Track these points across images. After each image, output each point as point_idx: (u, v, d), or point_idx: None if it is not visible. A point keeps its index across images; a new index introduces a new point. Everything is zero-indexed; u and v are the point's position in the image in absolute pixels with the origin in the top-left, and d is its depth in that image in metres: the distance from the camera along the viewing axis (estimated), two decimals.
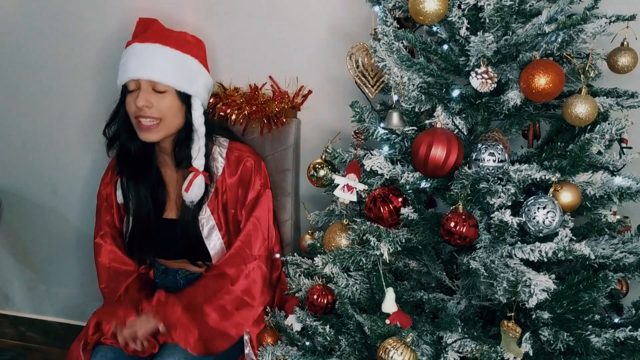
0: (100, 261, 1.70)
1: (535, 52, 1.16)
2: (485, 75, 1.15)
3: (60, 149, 2.11)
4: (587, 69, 1.21)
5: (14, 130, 2.14)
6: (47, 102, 2.06)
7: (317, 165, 1.55)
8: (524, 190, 1.17)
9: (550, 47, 1.18)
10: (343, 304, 1.34)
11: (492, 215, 1.15)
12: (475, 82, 1.15)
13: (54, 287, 2.35)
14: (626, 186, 1.20)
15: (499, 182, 1.19)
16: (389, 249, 1.22)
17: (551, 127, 1.34)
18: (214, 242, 1.62)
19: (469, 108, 1.25)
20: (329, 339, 1.37)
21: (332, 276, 1.35)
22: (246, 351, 1.57)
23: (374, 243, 1.23)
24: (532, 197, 1.15)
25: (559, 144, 1.24)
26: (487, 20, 1.17)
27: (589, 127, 1.21)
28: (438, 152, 1.15)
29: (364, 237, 1.28)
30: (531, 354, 1.16)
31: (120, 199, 1.68)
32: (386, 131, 1.34)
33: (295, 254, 1.55)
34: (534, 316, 1.18)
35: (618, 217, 1.30)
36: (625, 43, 1.28)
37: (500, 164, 1.16)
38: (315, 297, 1.35)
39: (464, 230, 1.13)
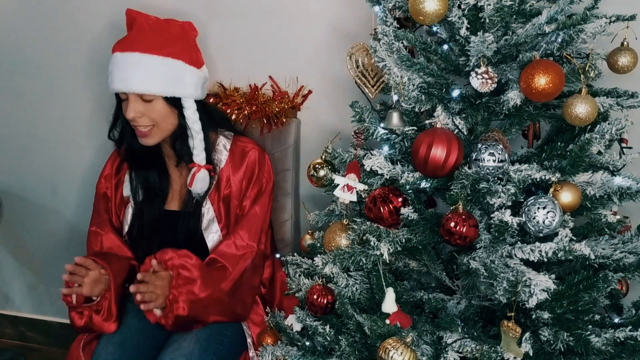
0: (93, 248, 1.68)
1: (535, 52, 1.16)
2: (485, 75, 1.15)
3: (60, 149, 2.11)
4: (587, 69, 1.21)
5: (14, 130, 2.14)
6: (47, 103, 2.07)
7: (317, 165, 1.55)
8: (524, 190, 1.17)
9: (550, 47, 1.18)
10: (343, 304, 1.34)
11: (492, 215, 1.15)
12: (475, 82, 1.15)
13: (54, 287, 2.35)
14: (626, 186, 1.19)
15: (499, 182, 1.19)
16: (389, 249, 1.22)
17: (551, 127, 1.34)
18: (213, 235, 1.62)
19: (469, 108, 1.25)
20: (329, 339, 1.37)
21: (332, 276, 1.35)
22: (251, 354, 1.57)
23: (374, 243, 1.23)
24: (532, 197, 1.15)
25: (559, 144, 1.24)
26: (487, 20, 1.17)
27: (589, 127, 1.21)
28: (438, 152, 1.15)
29: (364, 237, 1.28)
30: (531, 354, 1.16)
31: (127, 191, 1.68)
32: (386, 131, 1.34)
33: (295, 254, 1.55)
34: (534, 316, 1.17)
35: (618, 217, 1.30)
36: (625, 43, 1.28)
37: (500, 164, 1.16)
38: (315, 297, 1.35)
39: (464, 230, 1.13)
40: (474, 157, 1.17)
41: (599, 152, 1.25)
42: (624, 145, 1.34)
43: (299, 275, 1.48)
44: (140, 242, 1.68)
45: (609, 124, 1.17)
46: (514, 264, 1.12)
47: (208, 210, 1.62)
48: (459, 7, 1.20)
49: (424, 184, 1.24)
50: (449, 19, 1.20)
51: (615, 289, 1.28)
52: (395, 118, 1.29)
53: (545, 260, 1.12)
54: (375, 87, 1.47)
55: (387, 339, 1.16)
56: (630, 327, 1.19)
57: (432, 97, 1.26)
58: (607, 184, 1.20)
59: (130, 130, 1.59)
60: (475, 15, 1.20)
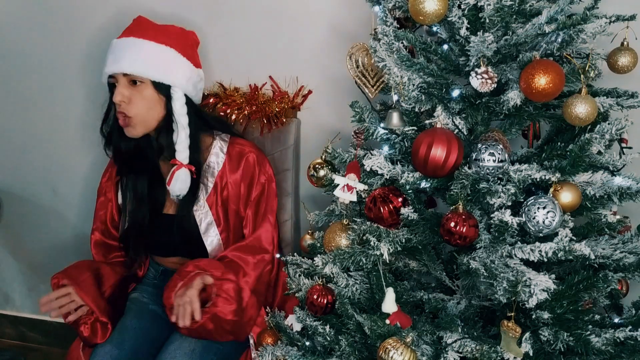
0: (95, 257, 1.74)
1: (535, 52, 1.16)
2: (485, 75, 1.15)
3: (60, 148, 2.11)
4: (587, 69, 1.21)
5: (14, 130, 2.14)
6: (47, 102, 2.07)
7: (317, 165, 1.55)
8: (524, 190, 1.17)
9: (550, 47, 1.18)
10: (343, 304, 1.34)
11: (492, 215, 1.15)
12: (475, 82, 1.15)
13: None
14: (626, 186, 1.19)
15: (499, 182, 1.19)
16: (389, 249, 1.22)
17: (551, 127, 1.34)
18: (212, 238, 1.62)
19: (469, 108, 1.25)
20: (329, 339, 1.37)
21: (332, 276, 1.35)
22: (253, 355, 1.56)
23: (374, 243, 1.23)
24: (532, 197, 1.15)
25: (559, 144, 1.24)
26: (487, 20, 1.17)
27: (589, 127, 1.21)
28: (438, 152, 1.15)
29: (364, 237, 1.28)
30: (531, 354, 1.16)
31: (119, 196, 1.69)
32: (386, 131, 1.33)
33: (295, 254, 1.55)
34: (534, 316, 1.17)
35: (618, 217, 1.30)
36: (625, 43, 1.28)
37: (500, 164, 1.16)
38: (315, 297, 1.35)
39: (464, 230, 1.13)
40: (474, 157, 1.17)
41: (599, 152, 1.25)
42: (624, 145, 1.34)
43: (299, 275, 1.48)
44: (137, 245, 1.68)
45: (609, 124, 1.17)
46: (514, 264, 1.12)
47: (206, 214, 1.61)
48: (459, 7, 1.20)
49: (424, 184, 1.24)
50: (449, 19, 1.20)
51: (615, 289, 1.28)
52: (395, 118, 1.29)
53: (545, 260, 1.12)
54: (375, 87, 1.47)
55: (387, 339, 1.17)
56: (630, 327, 1.19)
57: (432, 97, 1.26)
58: (607, 184, 1.20)
59: (117, 127, 1.57)
60: (475, 15, 1.20)
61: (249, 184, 1.63)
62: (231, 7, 1.79)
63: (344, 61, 1.47)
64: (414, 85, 1.24)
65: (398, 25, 1.27)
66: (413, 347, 1.16)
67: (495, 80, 1.16)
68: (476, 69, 1.16)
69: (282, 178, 1.78)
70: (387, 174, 1.27)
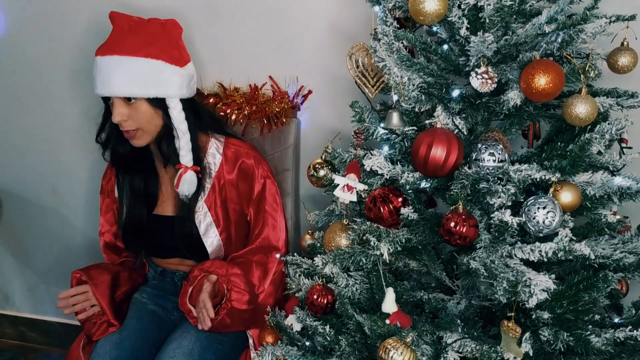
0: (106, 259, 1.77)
1: (535, 52, 1.16)
2: (485, 75, 1.15)
3: (60, 148, 2.11)
4: (587, 69, 1.21)
5: (14, 130, 2.14)
6: (47, 102, 2.07)
7: (317, 165, 1.55)
8: (524, 190, 1.17)
9: (550, 47, 1.18)
10: (343, 304, 1.34)
11: (492, 215, 1.15)
12: (475, 82, 1.15)
13: (54, 287, 2.35)
14: (626, 186, 1.19)
15: (499, 182, 1.19)
16: (389, 249, 1.22)
17: (551, 127, 1.34)
18: (212, 239, 1.62)
19: (469, 108, 1.25)
20: (329, 339, 1.37)
21: (332, 276, 1.35)
22: (253, 355, 1.56)
23: (374, 243, 1.23)
24: (532, 197, 1.15)
25: (559, 144, 1.24)
26: (487, 20, 1.17)
27: (589, 127, 1.21)
28: (438, 152, 1.15)
29: (364, 237, 1.28)
30: (531, 354, 1.16)
31: (116, 193, 1.70)
32: (386, 131, 1.34)
33: (295, 254, 1.55)
34: (534, 316, 1.17)
35: (618, 217, 1.30)
36: (625, 43, 1.28)
37: (500, 164, 1.16)
38: (315, 297, 1.35)
39: (464, 230, 1.13)
40: (474, 157, 1.17)
41: (599, 152, 1.25)
42: (624, 145, 1.34)
43: (299, 275, 1.48)
44: (133, 245, 1.69)
45: (609, 124, 1.17)
46: (514, 264, 1.12)
47: (205, 215, 1.61)
48: (459, 7, 1.20)
49: (424, 184, 1.24)
50: (449, 19, 1.20)
51: (615, 289, 1.29)
52: (395, 118, 1.29)
53: (545, 260, 1.12)
54: (375, 87, 1.47)
55: (387, 339, 1.17)
56: (630, 327, 1.19)
57: (432, 97, 1.26)
58: (607, 184, 1.20)
59: (116, 133, 1.58)
60: (475, 15, 1.20)
61: (249, 182, 1.63)
62: (231, 7, 1.79)
63: (344, 61, 1.47)
64: (414, 85, 1.24)
65: (398, 25, 1.27)
66: (413, 347, 1.16)
67: (495, 80, 1.16)
68: (476, 69, 1.16)
69: (282, 178, 1.78)
70: (387, 174, 1.27)
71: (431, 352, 1.22)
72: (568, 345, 1.17)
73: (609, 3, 1.27)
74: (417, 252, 1.33)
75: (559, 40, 1.17)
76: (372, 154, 1.29)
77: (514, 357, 1.15)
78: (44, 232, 2.27)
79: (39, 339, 2.44)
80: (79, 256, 2.23)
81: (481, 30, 1.18)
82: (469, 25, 1.20)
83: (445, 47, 1.27)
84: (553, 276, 1.09)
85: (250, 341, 1.58)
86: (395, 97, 1.29)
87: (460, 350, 1.20)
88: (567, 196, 1.16)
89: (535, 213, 1.13)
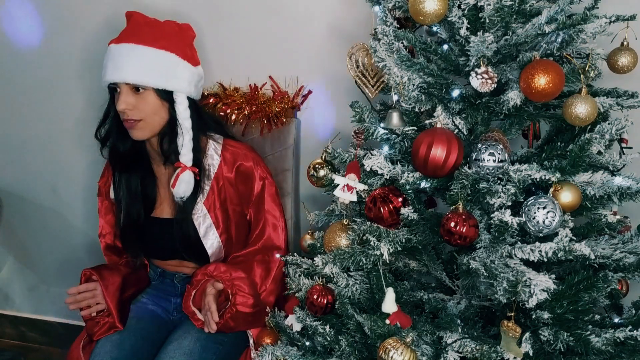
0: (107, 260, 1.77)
1: (535, 52, 1.16)
2: (485, 75, 1.15)
3: (60, 148, 2.12)
4: (587, 69, 1.21)
5: (14, 130, 2.14)
6: (46, 102, 2.07)
7: (317, 165, 1.55)
8: (524, 190, 1.17)
9: (550, 47, 1.18)
10: (343, 304, 1.34)
11: (492, 215, 1.15)
12: (475, 82, 1.15)
13: (54, 287, 2.35)
14: (626, 186, 1.19)
15: (499, 182, 1.19)
16: (389, 249, 1.22)
17: (551, 127, 1.34)
18: (212, 241, 1.62)
19: (469, 108, 1.25)
20: (329, 339, 1.37)
21: (332, 276, 1.35)
22: (253, 355, 1.57)
23: (374, 243, 1.23)
24: (532, 197, 1.15)
25: (559, 144, 1.24)
26: (487, 20, 1.17)
27: (589, 127, 1.21)
28: (438, 152, 1.15)
29: (364, 237, 1.28)
30: (531, 354, 1.16)
31: (112, 194, 1.69)
32: (386, 131, 1.33)
33: (295, 254, 1.55)
34: (534, 316, 1.18)
35: (618, 217, 1.30)
36: (625, 43, 1.28)
37: (500, 164, 1.16)
38: (315, 297, 1.35)
39: (464, 230, 1.13)
40: (474, 157, 1.17)
41: (599, 152, 1.25)
42: (624, 145, 1.34)
43: (299, 275, 1.48)
44: (131, 247, 1.69)
45: (609, 124, 1.17)
46: (514, 264, 1.12)
47: (205, 218, 1.61)
48: (459, 7, 1.20)
49: (424, 184, 1.24)
50: (449, 19, 1.20)
51: (615, 289, 1.29)
52: (395, 118, 1.29)
53: (545, 260, 1.12)
54: (375, 87, 1.47)
55: (387, 339, 1.17)
56: (630, 327, 1.19)
57: (432, 97, 1.26)
58: (607, 184, 1.20)
59: (117, 128, 1.58)
60: (475, 15, 1.20)
61: (248, 184, 1.63)
62: (231, 7, 1.79)
63: (344, 61, 1.47)
64: (414, 85, 1.24)
65: (398, 25, 1.27)
66: (413, 347, 1.16)
67: (495, 80, 1.16)
68: (476, 69, 1.16)
69: (282, 178, 1.78)
70: (387, 174, 1.27)
71: (431, 352, 1.22)
72: (568, 345, 1.17)
73: (609, 3, 1.27)
74: (417, 252, 1.33)
75: (559, 40, 1.17)
76: (372, 154, 1.29)
77: (514, 357, 1.15)
78: (44, 232, 2.27)
79: (39, 339, 2.44)
80: (79, 256, 2.23)
81: (481, 30, 1.18)
82: (469, 25, 1.20)
83: (445, 47, 1.27)
84: (553, 276, 1.09)
85: (251, 341, 1.58)
86: (395, 97, 1.29)
87: (460, 350, 1.20)
88: (567, 196, 1.16)
89: (535, 213, 1.13)
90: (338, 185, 1.33)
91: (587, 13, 1.15)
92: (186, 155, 1.54)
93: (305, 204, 1.78)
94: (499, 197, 1.15)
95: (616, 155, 1.31)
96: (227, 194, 1.62)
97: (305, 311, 1.42)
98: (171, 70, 1.51)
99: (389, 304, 1.21)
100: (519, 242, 1.16)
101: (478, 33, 1.16)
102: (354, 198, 1.33)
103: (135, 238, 1.66)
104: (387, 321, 1.21)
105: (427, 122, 1.27)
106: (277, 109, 1.75)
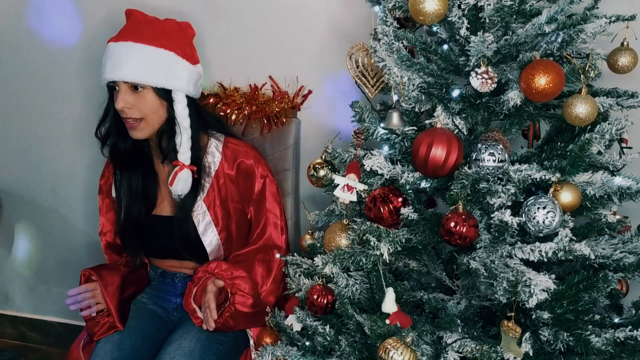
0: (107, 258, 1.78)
1: (535, 52, 1.16)
2: (485, 75, 1.15)
3: (59, 148, 2.12)
4: (587, 69, 1.21)
5: (14, 130, 2.14)
6: (46, 102, 2.07)
7: (317, 165, 1.55)
8: (524, 190, 1.17)
9: (550, 47, 1.18)
10: (343, 304, 1.34)
11: (492, 215, 1.15)
12: (475, 82, 1.15)
13: (54, 287, 2.35)
14: (626, 186, 1.19)
15: (499, 182, 1.19)
16: (389, 249, 1.22)
17: (551, 127, 1.34)
18: (210, 239, 1.62)
19: (469, 108, 1.25)
20: (329, 339, 1.37)
21: (332, 276, 1.35)
22: (253, 355, 1.57)
23: (374, 243, 1.23)
24: (532, 197, 1.15)
25: (559, 144, 1.24)
26: (487, 20, 1.17)
27: (589, 127, 1.21)
28: (438, 152, 1.15)
29: (364, 237, 1.28)
30: (531, 354, 1.16)
31: (113, 193, 1.69)
32: (386, 131, 1.33)
33: (295, 254, 1.55)
34: (534, 316, 1.17)
35: (618, 217, 1.30)
36: (625, 43, 1.28)
37: (500, 164, 1.16)
38: (315, 297, 1.35)
39: (464, 230, 1.13)
40: (474, 157, 1.17)
41: (599, 152, 1.25)
42: (624, 145, 1.34)
43: (299, 275, 1.48)
44: (131, 246, 1.69)
45: (609, 124, 1.17)
46: (514, 264, 1.12)
47: (204, 215, 1.60)
48: (459, 7, 1.20)
49: (424, 184, 1.24)
50: (449, 19, 1.20)
51: (615, 289, 1.28)
52: (395, 118, 1.29)
53: (545, 260, 1.12)
54: (375, 87, 1.47)
55: (387, 339, 1.17)
56: (630, 327, 1.19)
57: (432, 97, 1.26)
58: (607, 184, 1.20)
59: (117, 127, 1.57)
60: (475, 15, 1.20)
61: (249, 182, 1.63)
62: (231, 7, 1.79)
63: (344, 61, 1.47)
64: (414, 85, 1.24)
65: (398, 25, 1.27)
66: (413, 347, 1.16)
67: (495, 80, 1.16)
68: (476, 69, 1.16)
69: (282, 178, 1.78)
70: (387, 174, 1.27)
71: (431, 352, 1.22)
72: (568, 345, 1.17)
73: (609, 3, 1.27)
74: (417, 252, 1.33)
75: (559, 40, 1.17)
76: (372, 154, 1.29)
77: (514, 357, 1.15)
78: (44, 232, 2.27)
79: (39, 339, 2.44)
80: (79, 256, 2.23)
81: (481, 30, 1.18)
82: (469, 25, 1.20)
83: (445, 47, 1.27)
84: (553, 276, 1.09)
85: (251, 341, 1.58)
86: (395, 97, 1.29)
87: (460, 350, 1.20)
88: (567, 196, 1.16)
89: (535, 213, 1.13)
90: (338, 185, 1.33)
91: (587, 13, 1.16)
92: (184, 154, 1.54)
93: (305, 204, 1.77)
94: (499, 197, 1.15)
95: (616, 155, 1.31)
96: (228, 191, 1.62)
97: (305, 311, 1.42)
98: (170, 69, 1.51)
99: (389, 304, 1.21)
100: (519, 242, 1.16)
101: (478, 33, 1.16)
102: (354, 198, 1.33)
103: (135, 236, 1.66)
104: (387, 321, 1.21)
105: (427, 122, 1.27)
106: (277, 109, 1.75)
